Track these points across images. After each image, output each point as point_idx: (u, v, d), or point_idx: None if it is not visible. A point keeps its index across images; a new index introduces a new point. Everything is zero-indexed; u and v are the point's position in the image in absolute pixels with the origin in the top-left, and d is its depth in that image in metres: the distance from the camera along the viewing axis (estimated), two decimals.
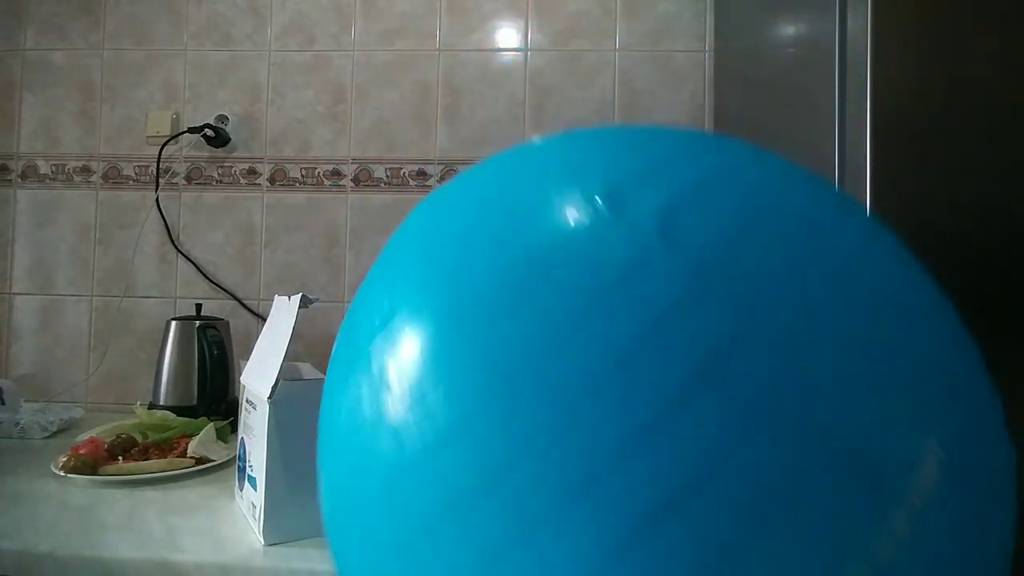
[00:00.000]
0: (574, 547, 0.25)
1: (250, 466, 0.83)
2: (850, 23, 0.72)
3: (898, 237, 0.41)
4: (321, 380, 0.90)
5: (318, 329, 1.45)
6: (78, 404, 1.42)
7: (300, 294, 0.84)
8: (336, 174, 1.49)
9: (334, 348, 0.40)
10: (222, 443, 1.12)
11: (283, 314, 0.86)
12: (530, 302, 0.28)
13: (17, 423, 1.20)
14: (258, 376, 0.82)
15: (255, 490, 0.81)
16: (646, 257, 0.28)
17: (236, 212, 1.50)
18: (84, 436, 1.08)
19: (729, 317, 0.27)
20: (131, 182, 1.52)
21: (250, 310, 1.48)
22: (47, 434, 1.21)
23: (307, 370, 0.98)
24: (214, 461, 1.04)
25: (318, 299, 0.87)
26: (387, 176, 1.47)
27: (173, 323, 1.34)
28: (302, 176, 1.50)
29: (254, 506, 0.80)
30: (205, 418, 1.20)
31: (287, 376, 0.80)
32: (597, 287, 0.28)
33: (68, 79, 1.54)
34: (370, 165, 1.48)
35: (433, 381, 0.29)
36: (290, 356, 0.80)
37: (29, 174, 1.53)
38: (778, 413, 0.26)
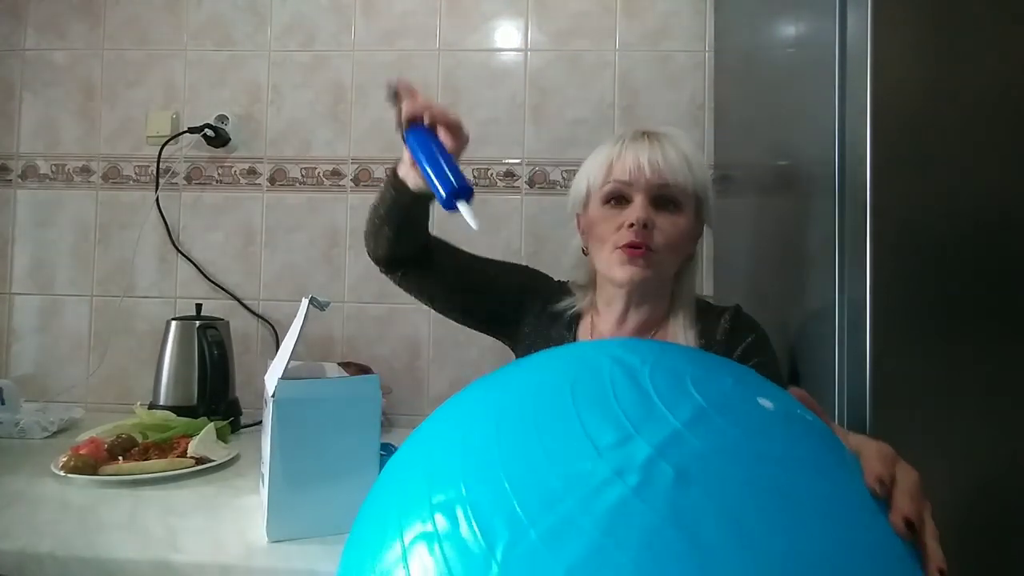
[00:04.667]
0: None
1: (263, 463, 0.84)
2: (850, 23, 0.72)
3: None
4: (322, 380, 0.90)
5: (317, 329, 1.45)
6: (78, 404, 1.42)
7: (311, 296, 0.85)
8: (336, 174, 1.49)
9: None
10: (222, 443, 1.12)
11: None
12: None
13: (17, 423, 1.20)
14: (272, 375, 0.83)
15: (263, 487, 0.82)
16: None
17: (236, 212, 1.50)
18: (84, 436, 1.08)
19: None
20: (131, 182, 1.52)
21: (250, 310, 1.48)
22: (47, 434, 1.21)
23: (332, 370, 0.98)
24: (214, 461, 1.04)
25: (330, 302, 0.88)
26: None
27: (173, 323, 1.34)
28: (302, 176, 1.50)
29: (262, 503, 0.81)
30: (205, 418, 1.20)
31: (291, 375, 0.81)
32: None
33: (68, 79, 1.53)
34: (370, 165, 1.48)
35: None
36: (298, 356, 0.81)
37: (29, 174, 1.53)
38: None
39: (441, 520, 0.32)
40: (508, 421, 0.36)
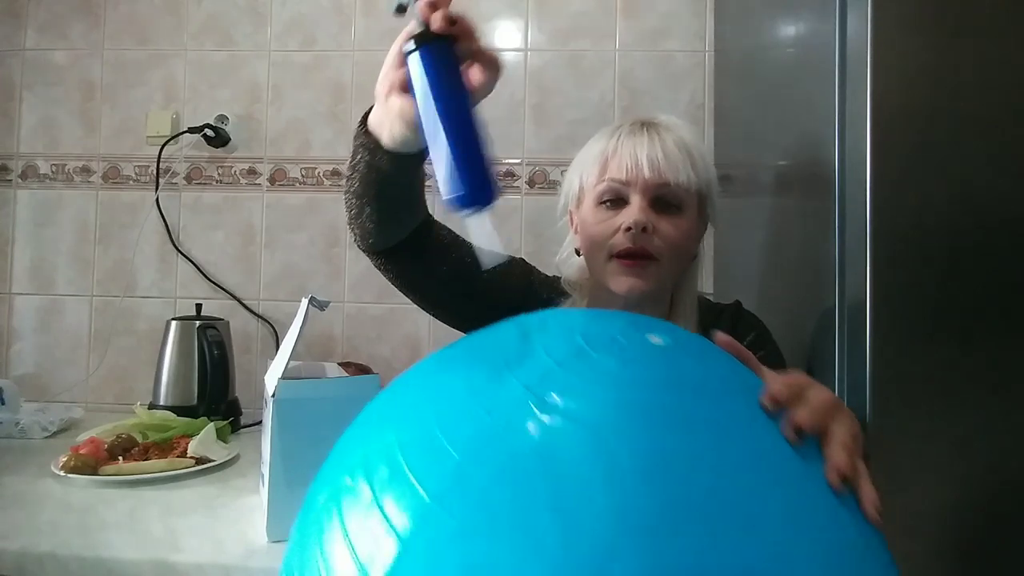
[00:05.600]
0: None
1: (263, 463, 0.84)
2: (850, 23, 0.72)
3: None
4: (322, 380, 0.90)
5: (316, 328, 1.44)
6: (78, 404, 1.42)
7: (310, 296, 0.84)
8: (336, 174, 1.49)
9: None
10: (222, 443, 1.12)
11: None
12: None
13: (17, 423, 1.20)
14: (272, 375, 0.83)
15: (263, 487, 0.82)
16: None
17: (236, 212, 1.50)
18: (84, 436, 1.08)
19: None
20: (131, 182, 1.52)
21: (250, 310, 1.47)
22: (47, 434, 1.21)
23: (332, 370, 0.98)
24: (214, 461, 1.04)
25: (330, 302, 0.87)
26: None
27: (173, 323, 1.34)
28: (302, 176, 1.50)
29: (262, 503, 0.81)
30: (205, 418, 1.20)
31: (291, 375, 0.81)
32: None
33: (68, 79, 1.53)
34: None
35: None
36: (298, 356, 0.80)
37: (29, 174, 1.53)
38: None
39: (347, 480, 0.36)
40: (410, 389, 0.41)
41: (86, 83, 1.53)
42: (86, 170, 1.52)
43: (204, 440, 1.07)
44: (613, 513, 0.29)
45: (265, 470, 0.82)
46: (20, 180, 1.53)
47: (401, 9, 0.47)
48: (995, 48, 0.66)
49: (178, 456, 1.02)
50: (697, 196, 0.76)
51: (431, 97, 0.43)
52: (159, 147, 1.47)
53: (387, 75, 0.52)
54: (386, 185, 0.63)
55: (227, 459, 1.06)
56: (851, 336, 0.70)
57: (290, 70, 1.50)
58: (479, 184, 0.42)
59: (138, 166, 1.51)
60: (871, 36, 0.67)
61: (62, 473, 0.94)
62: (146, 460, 1.00)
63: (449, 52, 0.45)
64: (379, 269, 0.77)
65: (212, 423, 1.14)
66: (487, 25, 1.48)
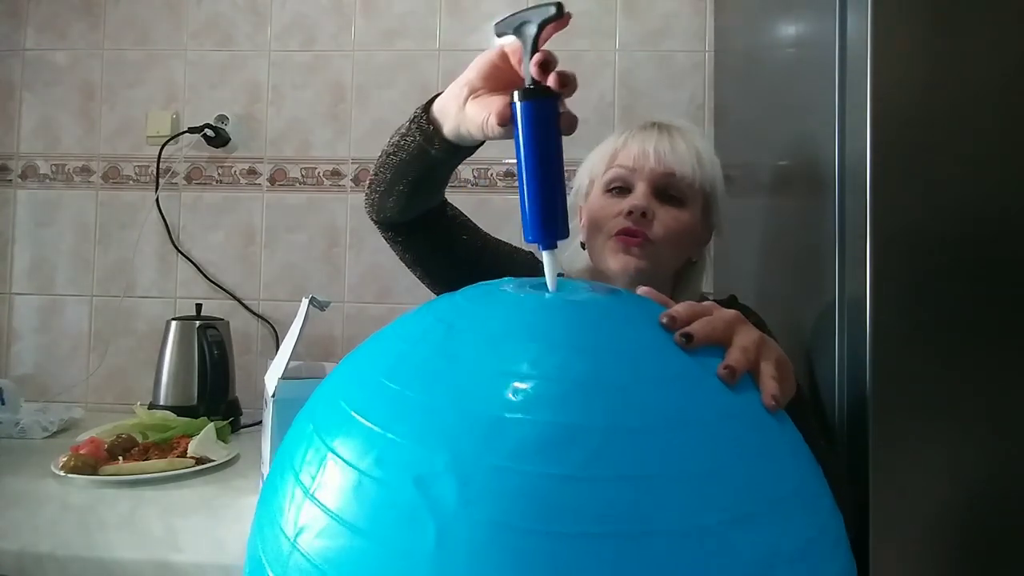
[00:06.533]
0: None
1: (263, 463, 0.84)
2: (850, 23, 0.72)
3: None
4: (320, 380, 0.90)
5: (317, 329, 1.44)
6: (78, 404, 1.42)
7: (311, 296, 0.84)
8: (336, 174, 1.49)
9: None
10: (222, 443, 1.12)
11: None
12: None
13: (17, 423, 1.20)
14: (272, 375, 0.83)
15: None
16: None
17: (236, 212, 1.50)
18: (84, 436, 1.08)
19: None
20: (131, 182, 1.52)
21: (250, 310, 1.48)
22: (47, 434, 1.21)
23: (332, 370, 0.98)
24: (214, 461, 1.04)
25: (330, 302, 0.87)
26: None
27: (173, 323, 1.34)
28: (302, 176, 1.50)
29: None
30: (205, 418, 1.20)
31: (291, 375, 0.81)
32: None
33: (68, 79, 1.53)
34: (370, 165, 1.48)
35: None
36: (298, 356, 0.80)
37: (29, 174, 1.53)
38: None
39: (307, 452, 0.38)
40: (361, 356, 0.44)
41: (86, 83, 1.53)
42: (86, 170, 1.52)
43: (204, 440, 1.07)
44: (500, 384, 0.33)
45: (265, 470, 0.82)
46: (20, 180, 1.53)
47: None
48: (995, 47, 0.66)
49: (178, 456, 1.02)
50: (702, 196, 0.77)
51: (535, 147, 0.48)
52: (159, 147, 1.47)
53: (472, 84, 0.56)
54: (430, 169, 0.67)
55: (227, 459, 1.06)
56: (851, 335, 0.70)
57: (290, 70, 1.50)
58: (561, 229, 0.48)
59: (138, 166, 1.52)
60: (871, 36, 0.67)
61: (62, 473, 0.94)
62: (146, 460, 1.00)
63: (555, 109, 0.49)
64: (388, 241, 0.80)
65: (212, 423, 1.14)
66: (487, 25, 1.48)
